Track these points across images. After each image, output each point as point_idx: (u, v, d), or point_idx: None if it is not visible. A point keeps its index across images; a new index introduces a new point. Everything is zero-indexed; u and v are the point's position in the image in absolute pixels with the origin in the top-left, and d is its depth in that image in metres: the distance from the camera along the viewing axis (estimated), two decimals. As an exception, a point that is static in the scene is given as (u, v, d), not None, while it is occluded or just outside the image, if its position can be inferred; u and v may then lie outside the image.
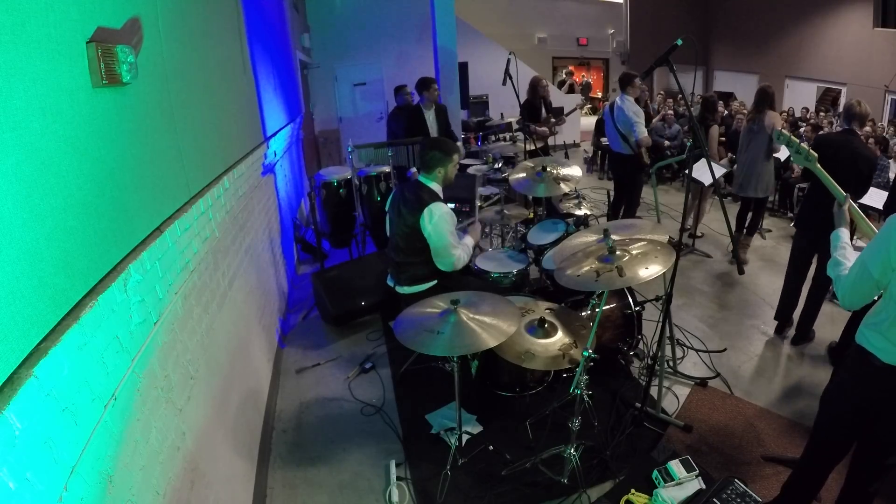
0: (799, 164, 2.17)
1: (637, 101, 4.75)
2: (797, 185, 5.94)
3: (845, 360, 1.84)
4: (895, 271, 1.57)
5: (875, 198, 4.43)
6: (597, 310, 2.30)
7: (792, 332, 3.52)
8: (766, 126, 4.34)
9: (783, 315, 3.55)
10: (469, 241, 2.88)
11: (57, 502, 0.98)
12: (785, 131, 2.16)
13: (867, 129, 6.97)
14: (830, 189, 2.07)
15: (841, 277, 1.75)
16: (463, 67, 7.57)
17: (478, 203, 3.67)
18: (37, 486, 0.92)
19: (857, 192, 2.22)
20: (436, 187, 2.78)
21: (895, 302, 1.59)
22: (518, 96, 4.49)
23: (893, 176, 5.28)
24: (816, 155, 2.13)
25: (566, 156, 9.02)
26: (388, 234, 2.97)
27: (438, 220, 2.65)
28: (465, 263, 2.80)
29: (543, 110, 5.40)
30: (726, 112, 7.98)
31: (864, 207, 4.28)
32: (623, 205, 5.18)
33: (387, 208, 2.97)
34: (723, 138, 6.01)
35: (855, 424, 1.77)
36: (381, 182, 4.46)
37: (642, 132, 4.61)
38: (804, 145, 2.15)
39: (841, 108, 8.53)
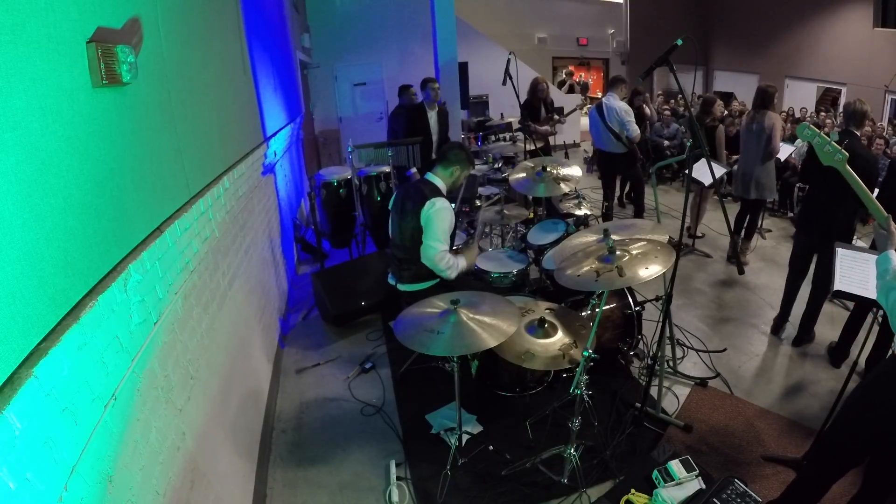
0: (826, 163, 1.92)
1: (631, 103, 4.94)
2: (797, 185, 5.93)
3: (879, 370, 1.75)
4: None
5: None
6: (597, 310, 2.30)
7: (789, 332, 3.52)
8: (766, 127, 4.28)
9: (781, 315, 3.57)
10: (462, 262, 2.78)
11: (57, 502, 0.98)
12: (812, 126, 1.95)
13: (867, 129, 6.94)
14: (863, 198, 1.81)
15: None
16: (463, 67, 7.57)
17: (480, 229, 3.52)
18: (37, 486, 0.92)
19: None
20: (440, 185, 2.79)
21: None
22: (518, 96, 4.49)
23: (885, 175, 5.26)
24: (847, 154, 1.88)
25: (566, 156, 9.05)
26: (390, 233, 2.97)
27: (437, 211, 2.66)
28: (447, 271, 2.70)
29: (543, 110, 5.41)
30: (725, 112, 7.94)
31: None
32: (612, 202, 5.43)
33: (390, 207, 2.98)
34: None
35: (881, 435, 1.70)
36: (381, 182, 4.46)
37: (635, 129, 4.88)
38: (835, 143, 1.91)
39: (841, 109, 8.51)
